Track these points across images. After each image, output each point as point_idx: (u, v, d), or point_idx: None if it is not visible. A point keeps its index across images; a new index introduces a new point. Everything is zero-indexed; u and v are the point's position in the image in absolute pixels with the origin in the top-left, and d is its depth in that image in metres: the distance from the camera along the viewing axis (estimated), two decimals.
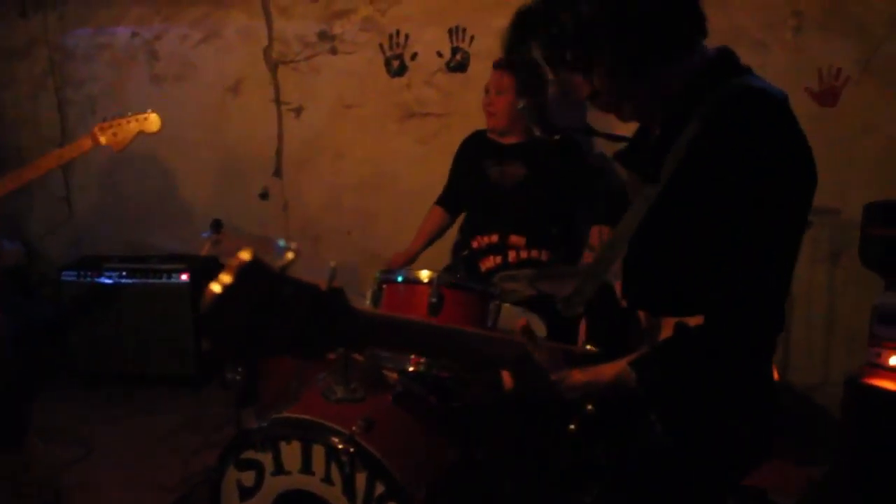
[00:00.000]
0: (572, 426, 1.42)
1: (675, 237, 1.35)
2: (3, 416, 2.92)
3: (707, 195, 1.27)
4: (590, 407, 1.39)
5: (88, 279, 4.11)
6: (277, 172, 4.20)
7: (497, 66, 3.14)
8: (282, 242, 1.01)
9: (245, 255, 0.96)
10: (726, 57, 1.39)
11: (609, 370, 1.35)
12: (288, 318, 1.00)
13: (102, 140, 2.83)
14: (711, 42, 3.58)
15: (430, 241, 3.38)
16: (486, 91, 3.16)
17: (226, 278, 0.95)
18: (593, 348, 1.46)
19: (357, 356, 2.42)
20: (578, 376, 1.35)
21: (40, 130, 4.54)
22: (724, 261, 1.25)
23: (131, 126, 2.86)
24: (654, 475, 1.39)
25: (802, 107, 3.24)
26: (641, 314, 1.46)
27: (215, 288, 0.94)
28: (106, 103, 4.36)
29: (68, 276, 4.15)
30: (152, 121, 2.89)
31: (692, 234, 1.31)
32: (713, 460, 1.38)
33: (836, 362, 3.49)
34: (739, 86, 1.30)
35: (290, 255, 1.00)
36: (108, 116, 2.90)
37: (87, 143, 2.84)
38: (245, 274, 0.95)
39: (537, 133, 3.01)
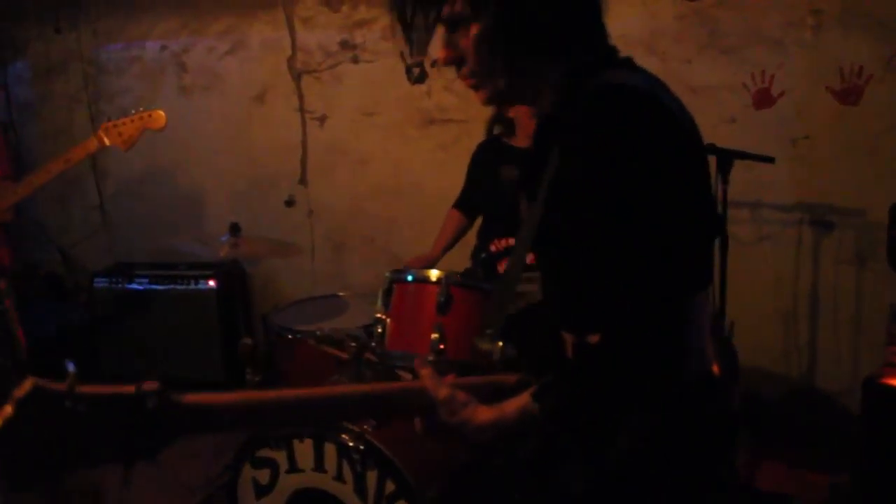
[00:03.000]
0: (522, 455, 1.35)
1: (560, 256, 1.27)
2: None
3: (577, 206, 1.18)
4: (528, 443, 1.32)
5: (119, 285, 4.22)
6: (302, 180, 4.26)
7: None
8: (70, 366, 1.00)
9: (26, 385, 0.99)
10: (596, 55, 1.28)
11: (513, 405, 1.23)
12: (92, 433, 1.02)
13: (107, 140, 2.77)
14: (731, 42, 3.54)
15: (451, 245, 3.40)
16: None
17: (7, 409, 0.98)
18: (525, 378, 1.32)
19: (370, 356, 2.45)
20: (483, 415, 1.23)
21: (75, 142, 4.64)
22: (607, 270, 1.16)
23: (136, 124, 2.79)
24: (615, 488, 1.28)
25: (824, 106, 3.27)
26: (565, 336, 1.37)
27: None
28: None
29: (100, 282, 4.26)
30: (157, 117, 2.82)
31: (575, 249, 1.22)
32: (657, 467, 1.26)
33: (864, 367, 3.42)
34: (598, 84, 1.19)
35: (71, 374, 1.02)
36: (113, 116, 2.85)
37: (92, 144, 2.78)
38: (27, 402, 0.98)
39: None
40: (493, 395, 1.27)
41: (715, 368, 1.29)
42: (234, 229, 2.88)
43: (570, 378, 1.23)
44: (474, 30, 1.23)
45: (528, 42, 1.24)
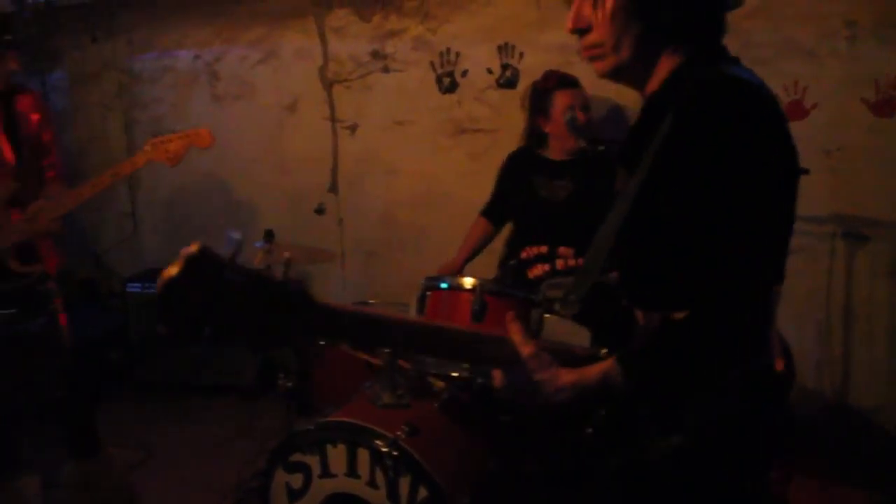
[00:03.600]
0: (589, 430, 1.39)
1: (655, 229, 1.32)
2: (81, 430, 3.06)
3: (682, 185, 1.24)
4: (603, 411, 1.36)
5: (151, 290, 4.26)
6: (333, 188, 4.29)
7: (573, 83, 3.18)
8: (234, 234, 1.05)
9: (194, 247, 1.02)
10: (708, 49, 1.37)
11: (595, 368, 1.29)
12: (239, 306, 1.05)
13: (154, 156, 2.79)
14: (763, 54, 3.53)
15: (475, 253, 3.41)
16: (570, 109, 3.13)
17: (174, 268, 1.01)
18: (597, 349, 1.39)
19: (403, 363, 2.46)
20: (566, 377, 1.29)
21: (109, 149, 4.74)
22: (704, 251, 1.22)
23: (183, 141, 2.81)
24: (661, 481, 1.35)
25: (859, 117, 3.25)
26: (638, 312, 1.42)
27: (165, 275, 1.00)
28: (170, 123, 4.53)
29: (133, 287, 4.32)
30: (203, 136, 2.84)
31: (671, 225, 1.28)
32: (716, 458, 1.32)
33: None
34: (712, 74, 1.28)
35: (236, 243, 1.05)
36: (146, 123, 2.88)
37: (140, 160, 2.81)
38: (193, 263, 1.01)
39: (583, 145, 3.06)
40: (564, 363, 1.32)
41: (778, 365, 1.32)
42: (269, 236, 2.91)
43: (656, 349, 1.28)
44: (611, 1, 1.31)
45: (661, 22, 1.32)
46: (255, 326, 1.08)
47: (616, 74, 1.39)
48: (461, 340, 1.38)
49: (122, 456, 3.44)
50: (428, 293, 2.31)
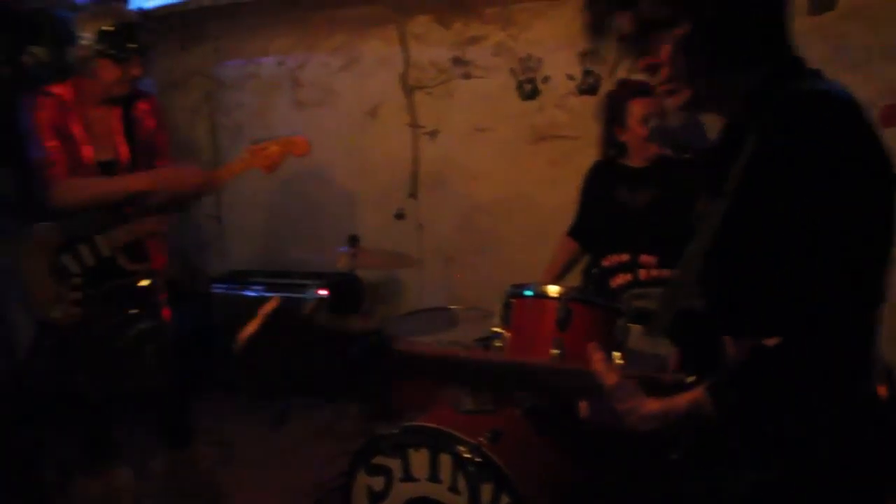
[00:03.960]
0: (675, 455, 1.34)
1: (744, 253, 1.26)
2: (177, 423, 3.17)
3: (772, 206, 1.19)
4: (690, 439, 1.32)
5: (235, 291, 4.37)
6: (413, 194, 4.33)
7: (648, 91, 3.04)
8: (316, 293, 1.06)
9: (273, 303, 1.04)
10: (787, 64, 1.31)
11: (684, 398, 1.25)
12: (317, 358, 1.07)
13: (252, 164, 2.86)
14: (857, 56, 3.38)
15: (562, 274, 3.37)
16: (647, 117, 3.06)
17: (253, 325, 1.03)
18: (684, 376, 1.33)
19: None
20: (652, 406, 1.26)
21: (196, 153, 4.88)
22: (799, 272, 1.16)
23: (281, 149, 2.86)
24: None
25: None
26: (727, 339, 1.36)
27: (247, 331, 1.02)
28: (253, 128, 4.65)
29: (218, 288, 4.44)
30: (300, 144, 2.88)
31: (762, 247, 1.22)
32: (814, 494, 1.25)
33: None
34: (795, 90, 1.23)
35: (312, 304, 1.07)
36: (259, 139, 2.93)
37: (237, 167, 2.89)
38: (272, 319, 1.03)
39: (668, 153, 3.01)
40: (650, 391, 1.29)
41: (881, 390, 1.26)
42: (353, 241, 2.96)
43: (747, 378, 1.23)
44: (677, 33, 1.26)
45: (727, 47, 1.26)
46: (335, 377, 1.11)
47: (694, 106, 1.35)
48: (543, 375, 1.39)
49: (207, 453, 3.54)
50: (513, 300, 2.30)
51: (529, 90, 3.97)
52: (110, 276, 2.80)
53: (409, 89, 4.26)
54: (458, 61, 4.12)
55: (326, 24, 4.43)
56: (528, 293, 2.29)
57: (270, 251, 4.80)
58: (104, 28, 2.65)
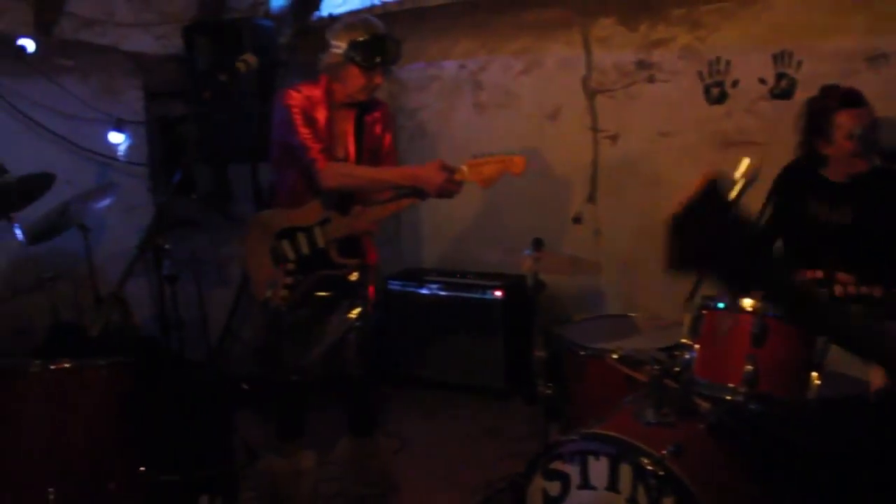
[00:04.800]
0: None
1: None
2: (364, 410, 3.33)
3: None
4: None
5: (410, 289, 4.51)
6: (591, 198, 4.29)
7: (858, 101, 2.80)
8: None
9: (708, 177, 1.04)
10: None
11: None
12: (737, 246, 1.06)
13: (470, 178, 2.88)
14: None
15: None
16: (855, 131, 2.77)
17: (694, 197, 1.04)
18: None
19: (670, 382, 2.41)
20: None
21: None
22: None
23: (498, 166, 2.84)
24: None
25: None
26: None
27: (682, 205, 1.04)
28: (433, 129, 4.77)
29: (393, 285, 4.59)
30: (518, 163, 2.84)
31: None
32: None
33: None
34: None
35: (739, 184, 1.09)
36: (478, 154, 2.91)
37: (457, 177, 2.89)
38: (706, 195, 1.03)
39: (877, 162, 2.79)
40: None
41: None
42: (537, 244, 2.97)
43: None
44: None
45: None
46: (744, 269, 1.11)
47: None
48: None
49: (386, 443, 3.67)
50: (704, 312, 2.24)
51: (717, 94, 3.83)
52: (321, 266, 2.98)
53: (590, 92, 4.22)
54: (642, 64, 4.04)
55: (509, 28, 4.47)
56: (721, 305, 2.22)
57: (446, 251, 4.91)
58: (357, 39, 2.85)
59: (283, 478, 3.09)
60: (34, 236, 3.33)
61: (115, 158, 4.24)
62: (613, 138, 4.19)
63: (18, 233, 3.12)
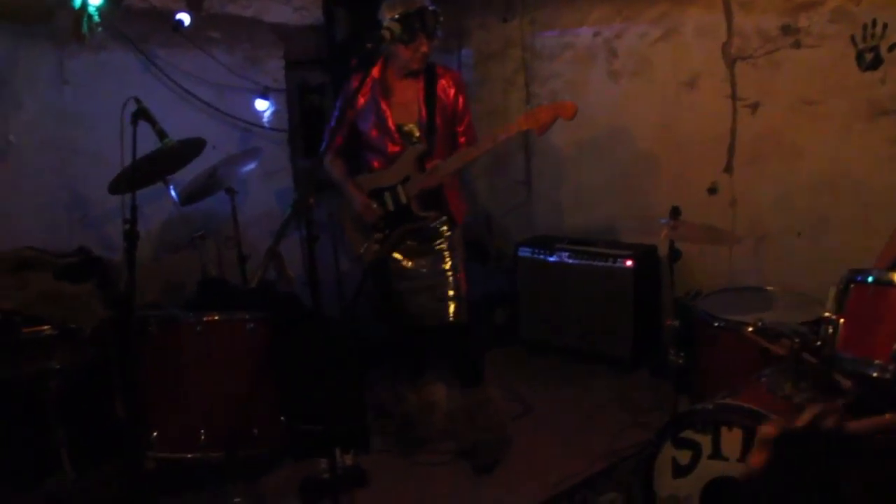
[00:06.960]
0: None
1: None
2: (470, 362, 3.51)
3: None
4: None
5: (540, 256, 4.54)
6: (728, 168, 4.16)
7: None
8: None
9: (770, 429, 1.01)
10: None
11: None
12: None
13: (525, 125, 3.10)
14: None
15: None
16: None
17: (758, 456, 1.01)
18: None
19: (809, 357, 2.35)
20: None
21: (508, 120, 5.08)
22: None
23: (550, 112, 3.05)
24: None
25: None
26: None
27: (752, 462, 1.02)
28: (566, 97, 4.73)
29: (523, 251, 4.63)
30: (567, 108, 3.04)
31: None
32: None
33: None
34: None
35: (807, 416, 1.01)
36: (544, 98, 3.08)
37: (514, 128, 3.16)
38: (776, 447, 1.01)
39: None
40: None
41: None
42: (675, 212, 2.94)
43: None
44: None
45: None
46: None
47: None
48: None
49: (505, 406, 3.75)
50: (851, 286, 2.16)
51: (871, 59, 3.62)
52: (406, 220, 3.33)
53: (730, 59, 4.07)
54: (787, 29, 3.86)
55: None
56: (871, 280, 2.13)
57: (576, 219, 4.90)
58: (395, 15, 3.03)
59: (418, 409, 3.54)
60: (187, 197, 3.55)
61: (257, 124, 4.43)
62: (753, 107, 4.03)
63: (173, 194, 3.34)
